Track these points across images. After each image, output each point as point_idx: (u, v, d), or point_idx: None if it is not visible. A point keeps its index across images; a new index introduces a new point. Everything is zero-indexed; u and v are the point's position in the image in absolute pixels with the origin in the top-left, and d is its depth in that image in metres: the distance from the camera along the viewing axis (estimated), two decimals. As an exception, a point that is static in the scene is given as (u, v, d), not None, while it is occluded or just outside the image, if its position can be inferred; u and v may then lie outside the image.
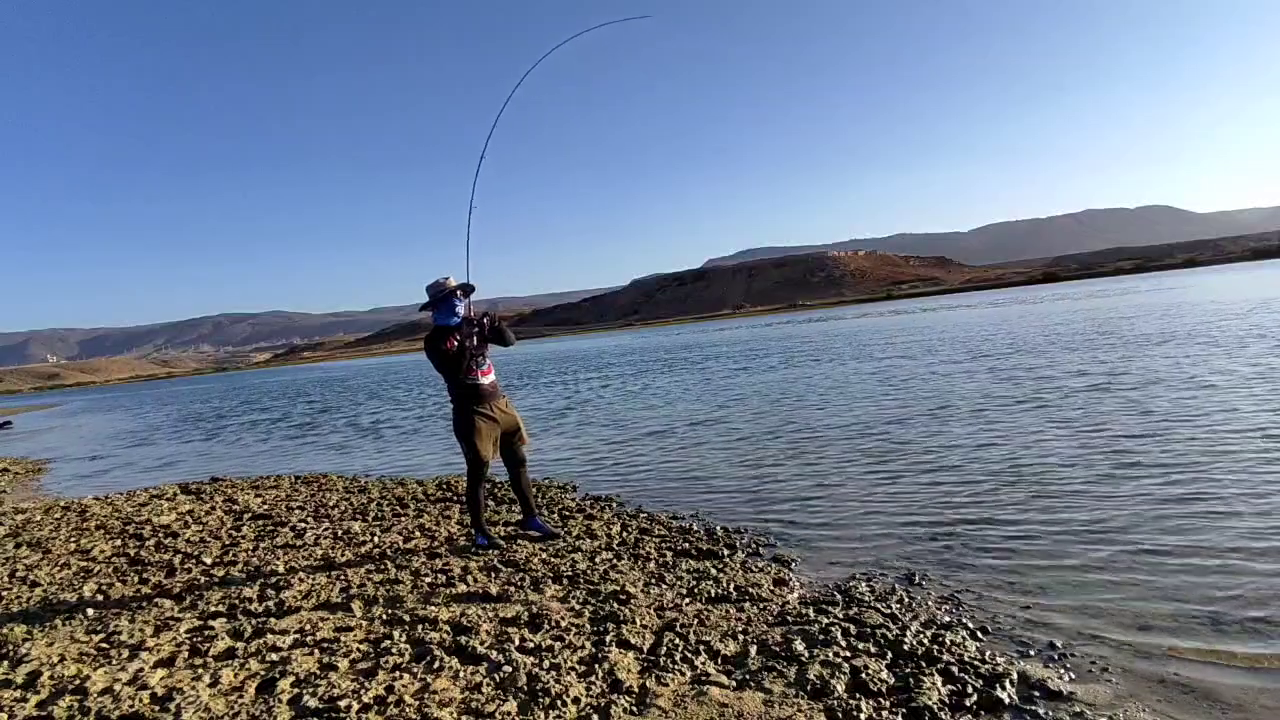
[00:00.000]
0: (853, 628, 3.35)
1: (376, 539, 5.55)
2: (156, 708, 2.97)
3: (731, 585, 3.99)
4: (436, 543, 5.32)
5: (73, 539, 6.53)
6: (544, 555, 4.76)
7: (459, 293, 4.84)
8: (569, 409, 14.55)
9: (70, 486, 11.20)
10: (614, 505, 6.24)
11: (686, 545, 4.81)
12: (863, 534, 4.88)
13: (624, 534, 5.21)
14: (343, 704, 2.85)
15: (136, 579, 5.01)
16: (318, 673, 3.18)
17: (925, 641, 3.15)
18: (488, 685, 2.97)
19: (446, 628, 3.59)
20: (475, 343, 4.81)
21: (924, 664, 2.96)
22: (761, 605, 3.73)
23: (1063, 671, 2.89)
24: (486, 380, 4.87)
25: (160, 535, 6.36)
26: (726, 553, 4.61)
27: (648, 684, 2.93)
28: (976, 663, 2.95)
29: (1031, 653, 3.07)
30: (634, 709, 2.77)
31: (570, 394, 17.91)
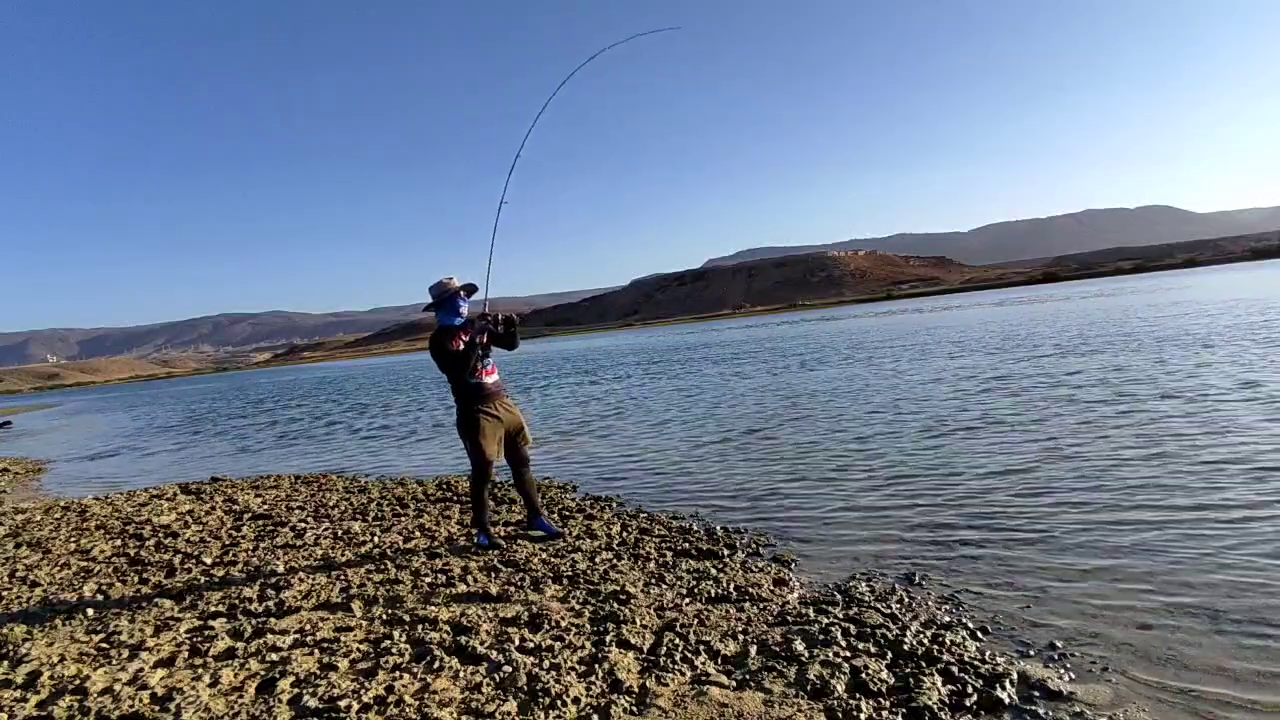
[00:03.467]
0: (853, 628, 3.34)
1: (376, 539, 5.55)
2: (156, 708, 2.97)
3: (731, 585, 3.99)
4: (436, 543, 5.32)
5: (73, 539, 6.53)
6: (544, 555, 4.76)
7: (462, 293, 4.91)
8: (568, 409, 14.55)
9: (70, 486, 11.20)
10: (614, 505, 6.24)
11: (686, 545, 4.81)
12: (863, 534, 4.88)
13: (624, 534, 5.21)
14: (343, 704, 2.85)
15: (136, 579, 5.01)
16: (318, 673, 3.18)
17: (925, 641, 3.15)
18: (488, 685, 2.97)
19: (446, 628, 3.59)
20: (485, 340, 4.86)
21: (924, 664, 2.96)
22: (761, 605, 3.73)
23: (1063, 671, 2.89)
24: (490, 380, 4.90)
25: (160, 535, 6.36)
26: (726, 553, 4.60)
27: (648, 684, 2.93)
28: (976, 663, 2.95)
29: (1031, 653, 3.07)
30: (634, 709, 2.77)
31: (569, 394, 17.91)
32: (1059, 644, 3.11)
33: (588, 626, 3.54)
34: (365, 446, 12.41)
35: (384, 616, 3.83)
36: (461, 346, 4.78)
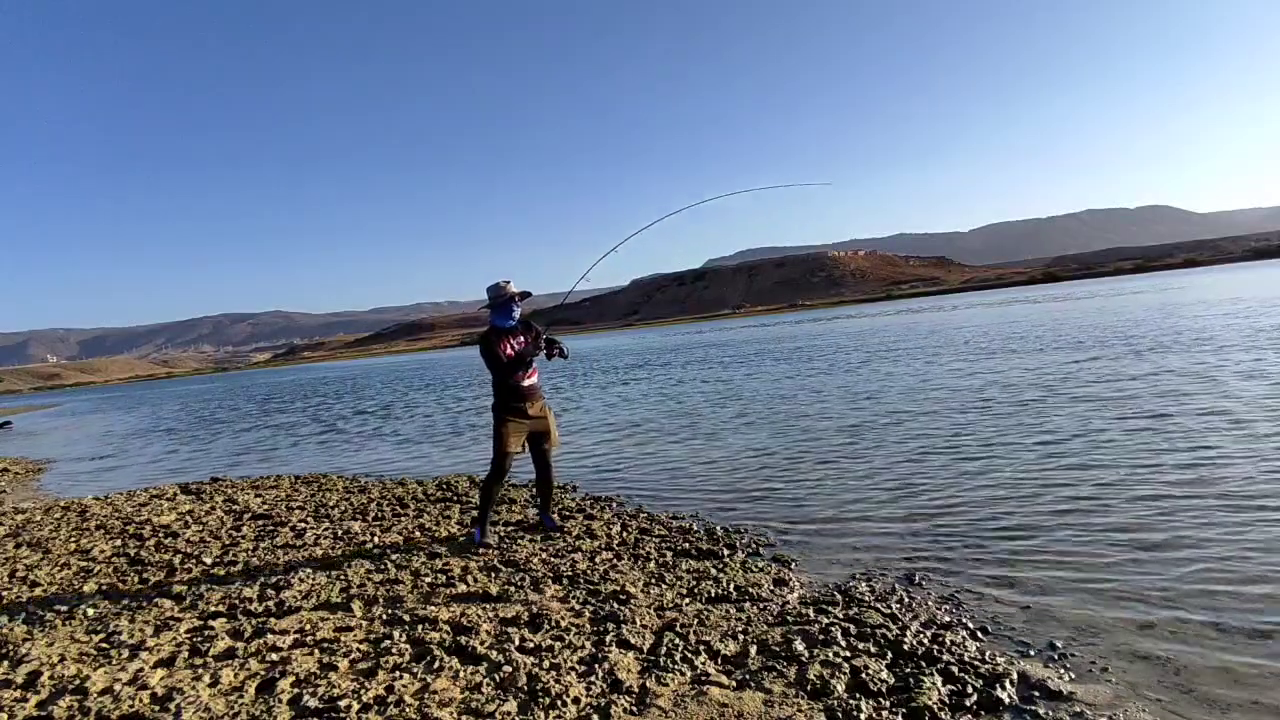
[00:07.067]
0: (853, 628, 3.35)
1: (376, 539, 5.55)
2: (156, 708, 2.97)
3: (731, 585, 3.99)
4: (436, 543, 5.32)
5: (73, 539, 6.53)
6: (544, 555, 4.76)
7: (517, 298, 5.11)
8: (568, 410, 14.55)
9: (70, 486, 11.20)
10: (614, 505, 6.24)
11: (686, 545, 4.81)
12: (863, 534, 4.88)
13: (624, 534, 5.21)
14: (343, 704, 2.85)
15: (136, 579, 5.01)
16: (318, 673, 3.18)
17: (925, 641, 3.16)
18: (488, 685, 2.97)
19: (446, 628, 3.59)
20: (527, 343, 5.10)
21: (924, 664, 2.96)
22: (761, 605, 3.73)
23: (1063, 671, 2.89)
24: (528, 382, 5.10)
25: (160, 535, 6.36)
26: (726, 553, 4.60)
27: (648, 684, 2.93)
28: (976, 663, 2.95)
29: (1031, 653, 3.07)
30: (634, 709, 2.77)
31: (568, 394, 17.91)
32: (1059, 644, 3.11)
33: (588, 626, 3.54)
34: (365, 446, 12.41)
35: (384, 616, 3.83)
36: (510, 351, 5.01)
